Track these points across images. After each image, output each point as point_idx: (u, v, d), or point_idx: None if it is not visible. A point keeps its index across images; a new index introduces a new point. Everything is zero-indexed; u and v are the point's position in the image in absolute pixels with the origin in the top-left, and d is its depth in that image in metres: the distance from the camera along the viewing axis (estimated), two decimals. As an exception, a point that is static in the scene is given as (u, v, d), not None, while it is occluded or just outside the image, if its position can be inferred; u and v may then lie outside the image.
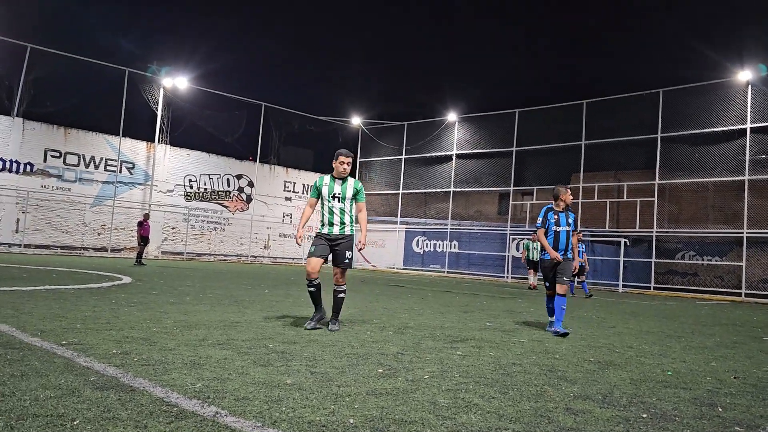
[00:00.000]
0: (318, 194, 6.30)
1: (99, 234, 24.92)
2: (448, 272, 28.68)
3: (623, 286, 22.15)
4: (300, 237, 6.33)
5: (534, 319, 8.52)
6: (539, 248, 7.45)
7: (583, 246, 16.22)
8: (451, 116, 30.53)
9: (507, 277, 25.95)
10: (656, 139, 23.53)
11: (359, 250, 6.25)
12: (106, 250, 24.73)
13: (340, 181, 6.25)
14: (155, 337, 4.98)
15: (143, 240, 18.91)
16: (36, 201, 23.38)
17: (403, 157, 32.36)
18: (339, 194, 6.18)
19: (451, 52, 58.73)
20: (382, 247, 32.66)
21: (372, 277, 21.64)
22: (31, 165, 23.45)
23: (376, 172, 34.77)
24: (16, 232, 22.87)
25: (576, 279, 15.77)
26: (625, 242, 22.28)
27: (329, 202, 6.18)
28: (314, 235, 6.36)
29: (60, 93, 25.03)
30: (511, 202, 28.35)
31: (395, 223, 32.31)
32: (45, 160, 23.80)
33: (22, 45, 23.14)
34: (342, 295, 6.29)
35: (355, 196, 6.25)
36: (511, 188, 28.03)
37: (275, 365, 4.10)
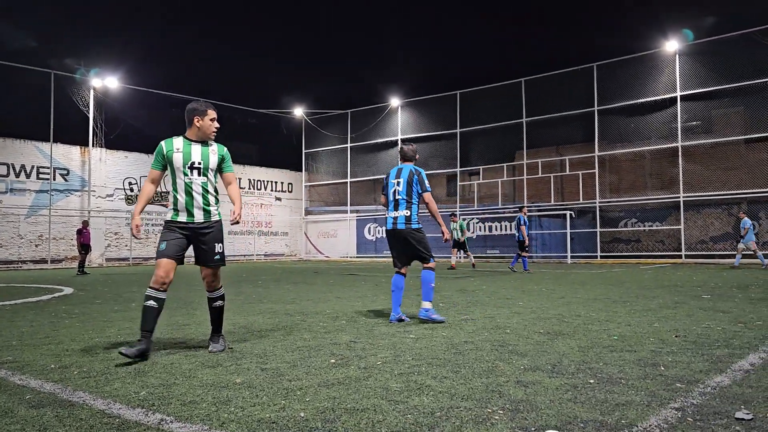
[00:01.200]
0: (164, 166, 4.42)
1: (36, 245, 23.88)
2: (401, 257, 28.78)
3: (571, 257, 22.78)
4: (137, 227, 4.42)
5: (486, 297, 8.64)
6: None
7: (524, 219, 15.94)
8: (394, 101, 30.55)
9: (460, 258, 26.25)
10: (593, 112, 24.20)
11: (233, 223, 4.66)
12: (46, 262, 23.73)
13: (199, 145, 4.44)
14: (97, 347, 4.78)
15: (84, 248, 18.24)
16: (-35, 216, 22.20)
17: (349, 145, 32.22)
18: (200, 164, 4.39)
19: (390, 36, 58.70)
20: (334, 237, 32.54)
21: (325, 267, 21.54)
22: (-43, 178, 22.25)
23: (322, 162, 34.53)
24: (-54, 250, 21.69)
25: (521, 254, 15.97)
26: (570, 214, 22.90)
27: (186, 175, 4.36)
28: (163, 225, 4.52)
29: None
30: (458, 183, 28.67)
31: (345, 212, 32.22)
32: (-29, 173, 22.63)
33: (-64, 52, 21.84)
34: (220, 302, 4.62)
35: (221, 165, 4.53)
36: (458, 169, 28.35)
37: (225, 365, 4.00)
